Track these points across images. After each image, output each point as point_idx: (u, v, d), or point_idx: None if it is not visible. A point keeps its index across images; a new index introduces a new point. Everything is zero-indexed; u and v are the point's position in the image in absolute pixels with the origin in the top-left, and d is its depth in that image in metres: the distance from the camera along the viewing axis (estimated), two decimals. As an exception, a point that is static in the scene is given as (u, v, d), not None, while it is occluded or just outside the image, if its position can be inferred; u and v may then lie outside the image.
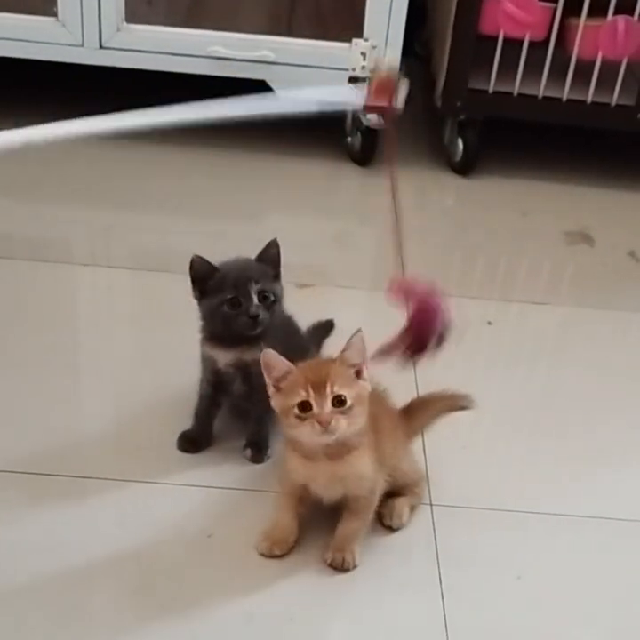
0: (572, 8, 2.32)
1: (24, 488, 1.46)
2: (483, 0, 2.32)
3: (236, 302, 1.45)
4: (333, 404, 1.25)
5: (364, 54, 2.31)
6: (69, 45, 2.34)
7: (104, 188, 2.31)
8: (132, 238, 2.17)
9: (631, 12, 2.32)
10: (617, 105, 2.41)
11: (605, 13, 2.32)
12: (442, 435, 1.60)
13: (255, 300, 1.45)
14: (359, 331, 1.28)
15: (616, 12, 2.32)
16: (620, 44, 2.35)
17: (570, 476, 1.58)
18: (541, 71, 2.37)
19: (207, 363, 1.54)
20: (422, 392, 1.64)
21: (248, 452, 1.55)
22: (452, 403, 1.61)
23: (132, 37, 2.35)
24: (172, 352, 1.73)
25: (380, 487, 1.38)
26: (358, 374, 1.29)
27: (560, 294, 2.16)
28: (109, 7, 2.30)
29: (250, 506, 1.46)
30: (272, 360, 1.28)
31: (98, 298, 2.01)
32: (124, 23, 2.34)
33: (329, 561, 1.37)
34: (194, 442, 1.56)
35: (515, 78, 2.38)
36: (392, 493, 1.44)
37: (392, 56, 1.37)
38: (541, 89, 2.40)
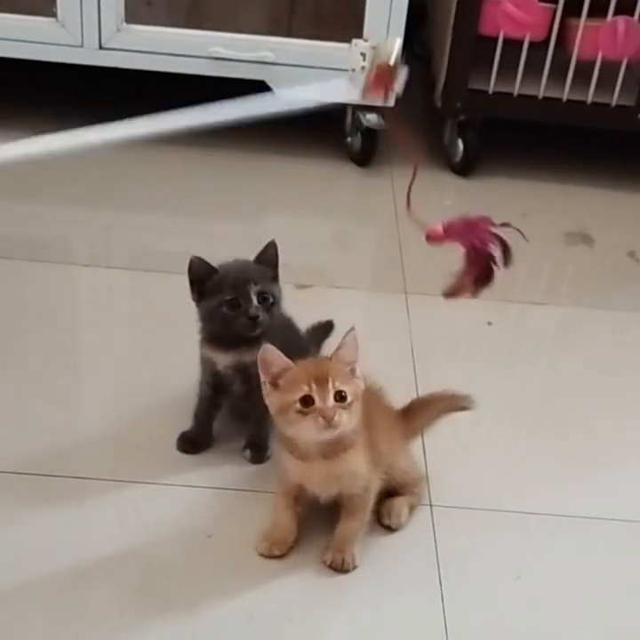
0: (572, 8, 2.32)
1: (24, 488, 1.46)
2: (483, 0, 2.32)
3: (236, 303, 1.45)
4: (335, 399, 1.25)
5: (363, 54, 2.31)
6: (69, 46, 2.34)
7: (104, 189, 2.31)
8: (131, 239, 2.17)
9: (631, 12, 2.33)
10: (617, 105, 2.41)
11: (605, 14, 2.32)
12: (442, 435, 1.60)
13: (254, 301, 1.45)
14: (352, 329, 1.28)
15: (616, 13, 2.32)
16: (620, 44, 2.35)
17: (570, 476, 1.58)
18: (541, 71, 2.37)
19: (206, 364, 1.54)
20: (422, 392, 1.65)
21: (248, 452, 1.55)
22: (452, 403, 1.61)
23: (132, 38, 2.35)
24: (171, 352, 1.73)
25: (375, 486, 1.38)
26: (352, 372, 1.29)
27: (560, 294, 2.16)
28: (109, 8, 2.30)
29: (249, 506, 1.46)
30: (271, 355, 1.27)
31: (98, 298, 2.01)
32: (124, 24, 2.34)
33: (328, 562, 1.37)
34: (193, 443, 1.56)
35: (515, 79, 2.38)
36: (391, 493, 1.44)
37: (391, 39, 1.36)
38: (541, 89, 2.40)
